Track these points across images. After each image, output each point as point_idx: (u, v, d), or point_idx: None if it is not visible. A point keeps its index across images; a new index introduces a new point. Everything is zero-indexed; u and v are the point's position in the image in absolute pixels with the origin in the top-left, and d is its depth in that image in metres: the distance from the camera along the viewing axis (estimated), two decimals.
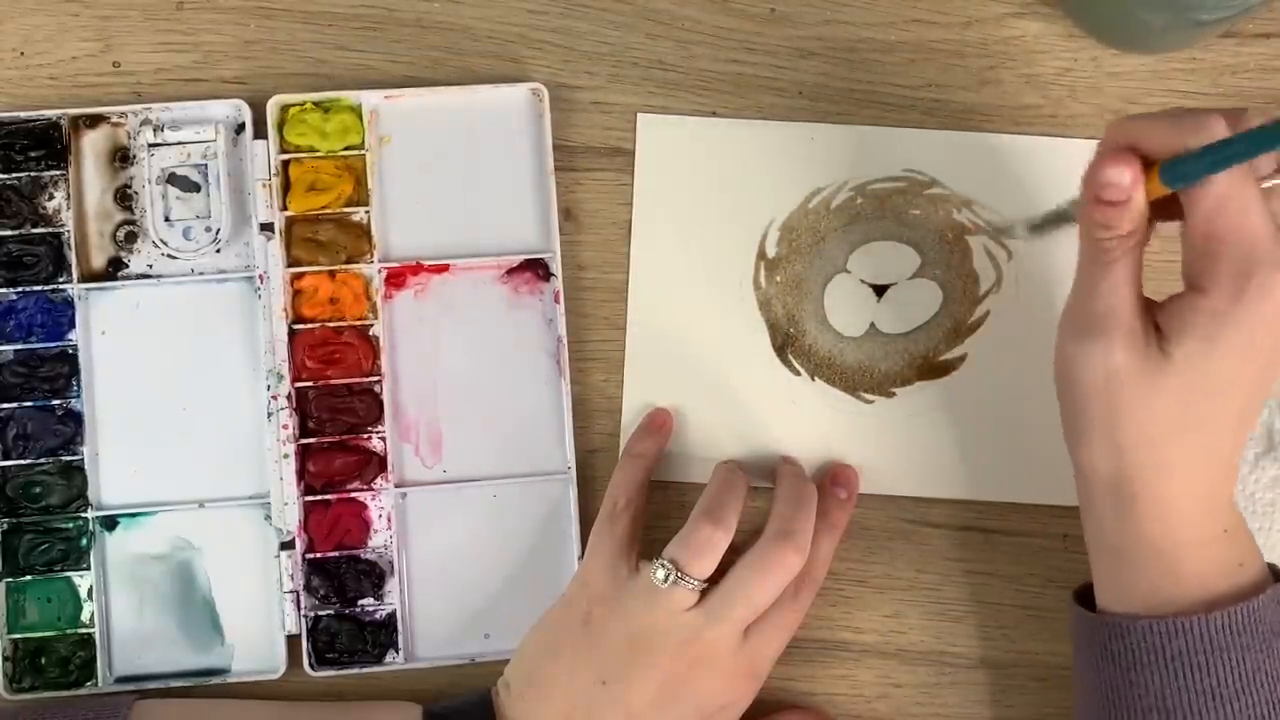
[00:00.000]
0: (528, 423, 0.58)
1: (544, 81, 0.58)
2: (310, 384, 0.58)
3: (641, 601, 0.52)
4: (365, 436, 0.58)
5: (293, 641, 0.57)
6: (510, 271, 0.59)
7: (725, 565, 0.52)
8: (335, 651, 0.58)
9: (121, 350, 0.58)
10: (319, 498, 0.58)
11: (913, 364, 0.59)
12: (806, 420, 0.59)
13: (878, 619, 0.59)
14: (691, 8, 0.59)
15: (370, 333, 0.58)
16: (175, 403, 0.58)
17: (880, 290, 0.59)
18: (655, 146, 0.59)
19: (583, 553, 0.56)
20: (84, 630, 0.57)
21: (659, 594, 0.52)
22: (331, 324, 0.58)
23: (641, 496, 0.56)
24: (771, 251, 0.59)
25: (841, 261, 0.59)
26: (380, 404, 0.58)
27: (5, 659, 0.57)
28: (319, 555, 0.58)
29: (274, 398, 0.57)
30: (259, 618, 0.58)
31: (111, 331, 0.58)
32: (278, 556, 0.57)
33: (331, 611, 0.58)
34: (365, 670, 0.58)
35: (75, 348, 0.58)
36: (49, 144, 0.57)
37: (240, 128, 0.58)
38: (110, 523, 0.58)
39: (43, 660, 0.57)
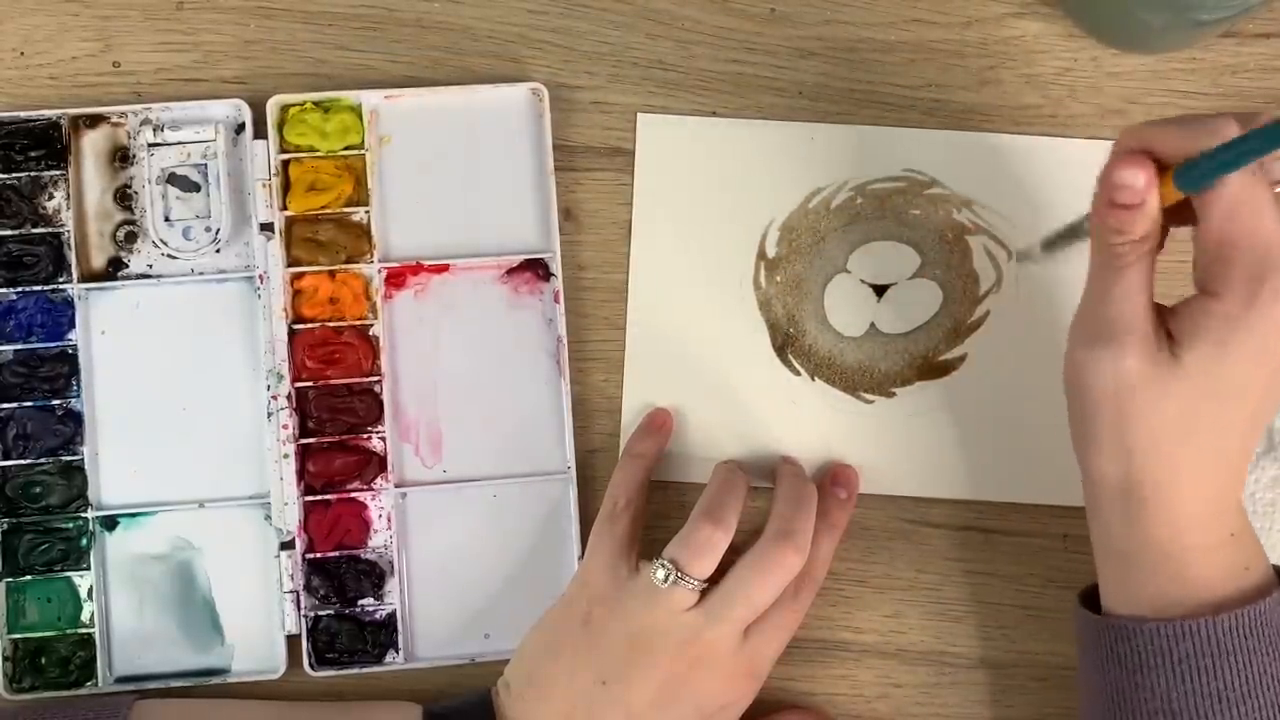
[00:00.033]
0: (528, 423, 0.58)
1: (544, 81, 0.58)
2: (310, 384, 0.58)
3: (641, 601, 0.52)
4: (365, 436, 0.58)
5: (293, 641, 0.57)
6: (510, 271, 0.59)
7: (725, 565, 0.52)
8: (335, 651, 0.58)
9: (121, 350, 0.58)
10: (319, 498, 0.58)
11: (913, 364, 0.59)
12: (806, 420, 0.59)
13: (878, 619, 0.59)
14: (691, 8, 0.59)
15: (370, 333, 0.58)
16: (175, 403, 0.58)
17: (880, 290, 0.59)
18: (655, 146, 0.59)
19: (583, 553, 0.56)
20: (84, 630, 0.57)
21: (659, 594, 0.52)
22: (331, 324, 0.58)
23: (641, 496, 0.56)
24: (771, 251, 0.59)
25: (841, 261, 0.59)
26: (380, 404, 0.58)
27: (5, 659, 0.57)
28: (319, 555, 0.58)
29: (274, 398, 0.57)
30: (259, 618, 0.58)
31: (111, 331, 0.58)
32: (278, 556, 0.57)
33: (331, 611, 0.58)
34: (365, 670, 0.58)
35: (75, 348, 0.58)
36: (49, 144, 0.57)
37: (240, 128, 0.58)
38: (110, 523, 0.58)
39: (43, 660, 0.57)
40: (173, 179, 0.57)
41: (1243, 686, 0.45)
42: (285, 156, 0.58)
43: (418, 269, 0.58)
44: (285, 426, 0.57)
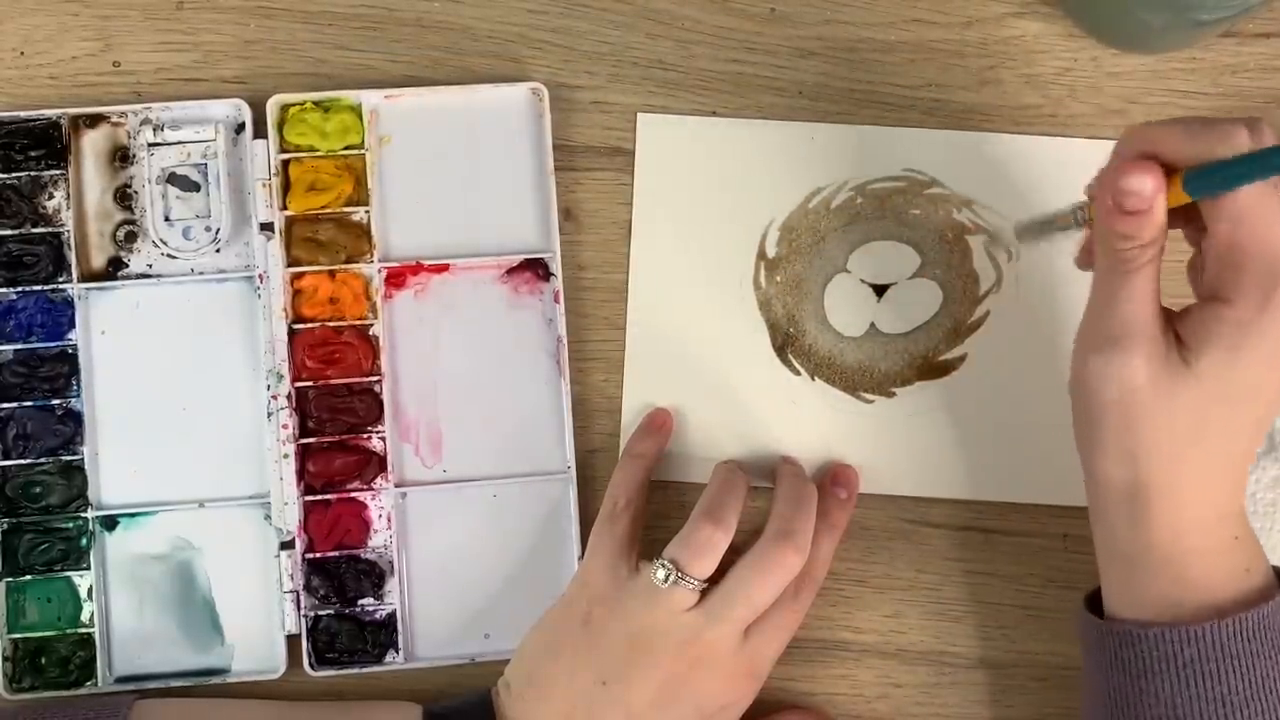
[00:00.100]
0: (528, 423, 0.58)
1: (544, 81, 0.58)
2: (310, 384, 0.58)
3: (642, 601, 0.52)
4: (365, 436, 0.58)
5: (293, 641, 0.57)
6: (510, 271, 0.59)
7: (725, 565, 0.52)
8: (335, 651, 0.58)
9: (121, 350, 0.58)
10: (319, 498, 0.58)
11: (913, 364, 0.59)
12: (806, 420, 0.59)
13: (878, 619, 0.59)
14: (691, 7, 0.59)
15: (370, 332, 0.58)
16: (175, 403, 0.58)
17: (880, 290, 0.59)
18: (655, 146, 0.59)
19: (583, 553, 0.56)
20: (84, 630, 0.57)
21: (659, 594, 0.52)
22: (331, 324, 0.58)
23: (641, 496, 0.56)
24: (771, 251, 0.59)
25: (841, 261, 0.59)
26: (380, 404, 0.58)
27: (5, 659, 0.57)
28: (319, 555, 0.58)
29: (274, 397, 0.57)
30: (259, 618, 0.58)
31: (111, 331, 0.58)
32: (278, 556, 0.57)
33: (331, 611, 0.58)
34: (365, 670, 0.58)
35: (75, 347, 0.58)
36: (49, 144, 0.57)
37: (240, 127, 0.58)
38: (110, 523, 0.58)
39: (43, 660, 0.57)
40: (173, 179, 0.57)
41: (1246, 691, 0.45)
42: (285, 156, 0.58)
43: (418, 269, 0.58)
44: (285, 426, 0.57)
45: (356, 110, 0.58)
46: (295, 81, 0.59)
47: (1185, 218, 0.46)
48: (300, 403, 0.58)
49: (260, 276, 0.57)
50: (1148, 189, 0.44)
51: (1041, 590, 0.59)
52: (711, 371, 0.59)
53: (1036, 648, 0.59)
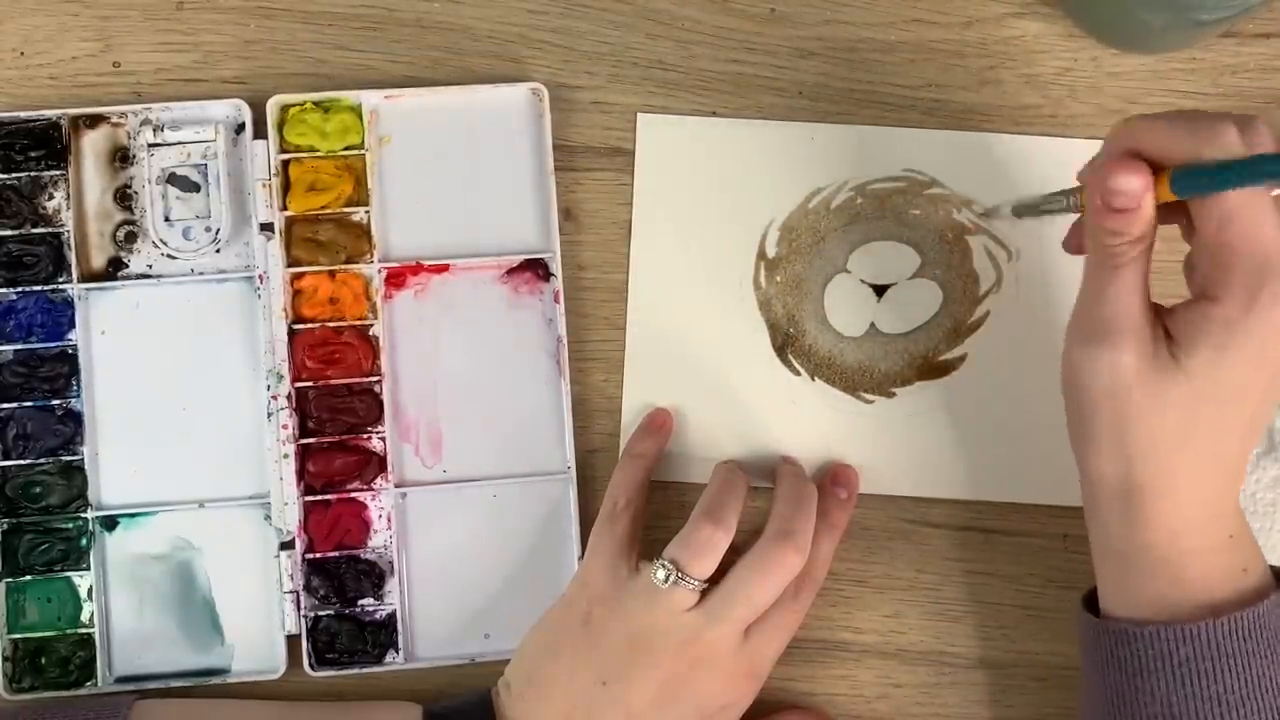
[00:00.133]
0: (528, 423, 0.58)
1: (544, 81, 0.58)
2: (310, 384, 0.58)
3: (642, 602, 0.52)
4: (365, 436, 0.58)
5: (293, 641, 0.57)
6: (510, 271, 0.59)
7: (725, 565, 0.52)
8: (335, 651, 0.58)
9: (121, 350, 0.58)
10: (319, 498, 0.58)
11: (913, 364, 0.59)
12: (806, 420, 0.59)
13: (878, 619, 0.59)
14: (691, 8, 0.59)
15: (370, 333, 0.58)
16: (175, 403, 0.58)
17: (880, 290, 0.59)
18: (655, 146, 0.59)
19: (583, 553, 0.56)
20: (84, 630, 0.57)
21: (659, 594, 0.52)
22: (331, 324, 0.58)
23: (641, 497, 0.56)
24: (771, 251, 0.59)
25: (841, 261, 0.59)
26: (380, 404, 0.58)
27: (5, 659, 0.57)
28: (319, 555, 0.58)
29: (274, 398, 0.57)
30: (259, 618, 0.58)
31: (111, 331, 0.58)
32: (278, 556, 0.57)
33: (331, 611, 0.58)
34: (365, 670, 0.58)
35: (75, 348, 0.58)
36: (49, 144, 0.57)
37: (240, 128, 0.58)
38: (110, 523, 0.58)
39: (43, 660, 0.57)
40: (173, 179, 0.57)
41: (1242, 690, 0.45)
42: (285, 156, 0.58)
43: (418, 269, 0.58)
44: (285, 426, 0.57)
45: (356, 110, 0.58)
46: (295, 82, 0.59)
47: (1181, 213, 0.46)
48: (300, 403, 0.58)
49: (260, 277, 0.57)
50: (1135, 188, 0.44)
51: (1041, 590, 0.59)
52: (711, 371, 0.59)
53: (1036, 648, 0.59)
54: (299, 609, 0.57)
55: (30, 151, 0.57)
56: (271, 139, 0.57)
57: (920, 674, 0.59)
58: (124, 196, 0.58)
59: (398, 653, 0.58)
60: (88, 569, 0.57)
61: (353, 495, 0.58)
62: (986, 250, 0.59)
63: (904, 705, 0.59)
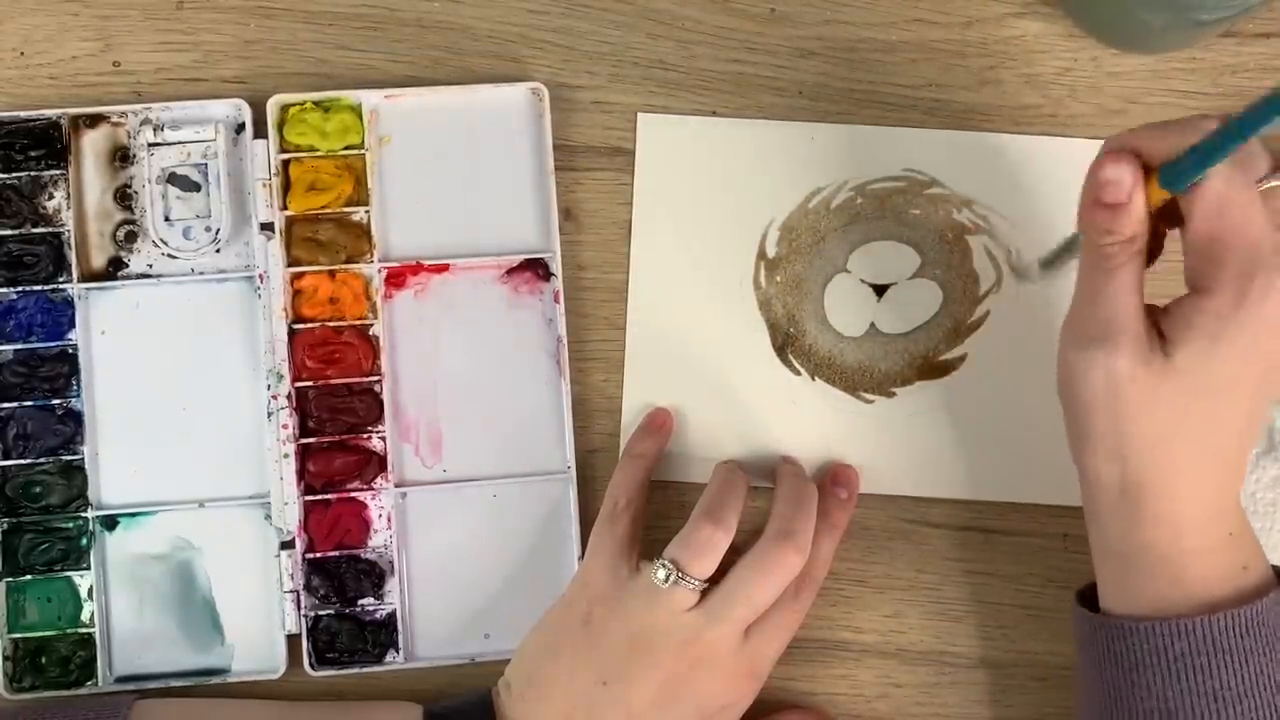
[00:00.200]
0: (528, 423, 0.58)
1: (544, 81, 0.58)
2: (310, 384, 0.58)
3: (642, 602, 0.52)
4: (365, 436, 0.58)
5: (293, 641, 0.57)
6: (510, 271, 0.59)
7: (726, 565, 0.52)
8: (335, 651, 0.58)
9: (121, 350, 0.58)
10: (319, 497, 0.58)
11: (913, 364, 0.59)
12: (806, 420, 0.59)
13: (878, 619, 0.59)
14: (692, 8, 0.59)
15: (370, 332, 0.58)
16: (175, 403, 0.58)
17: (880, 290, 0.59)
18: (655, 146, 0.59)
19: (583, 553, 0.56)
20: (84, 630, 0.57)
21: (659, 594, 0.52)
22: (331, 324, 0.58)
23: (642, 497, 0.56)
24: (771, 251, 0.59)
25: (841, 261, 0.59)
26: (380, 404, 0.58)
27: (5, 659, 0.57)
28: (319, 555, 0.58)
29: (274, 397, 0.57)
30: (259, 617, 0.58)
31: (111, 331, 0.58)
32: (278, 556, 0.57)
33: (331, 611, 0.58)
34: (365, 670, 0.58)
35: (75, 347, 0.58)
36: (49, 144, 0.57)
37: (240, 127, 0.58)
38: (110, 522, 0.58)
39: (43, 660, 0.57)
40: (173, 179, 0.57)
41: (1239, 686, 0.45)
42: (285, 156, 0.58)
43: (418, 269, 0.58)
44: (285, 426, 0.57)
45: (357, 110, 0.58)
46: (295, 81, 0.59)
47: (1178, 218, 0.46)
48: (300, 403, 0.58)
49: (260, 276, 0.57)
50: (1125, 177, 0.44)
51: (1041, 590, 0.59)
52: (711, 371, 0.59)
53: (1036, 648, 0.59)
54: (299, 609, 0.57)
55: (30, 151, 0.57)
56: (271, 139, 0.57)
57: (920, 674, 0.59)
58: (124, 196, 0.58)
59: (398, 652, 0.58)
60: (88, 569, 0.57)
61: (353, 495, 0.58)
62: (986, 250, 0.59)
63: (904, 705, 0.59)
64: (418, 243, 0.59)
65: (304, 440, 0.58)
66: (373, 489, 0.58)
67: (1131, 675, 0.47)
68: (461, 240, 0.59)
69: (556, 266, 0.58)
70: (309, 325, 0.58)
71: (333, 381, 0.58)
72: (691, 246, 0.59)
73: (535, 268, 0.58)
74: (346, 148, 0.58)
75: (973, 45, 0.59)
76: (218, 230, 0.57)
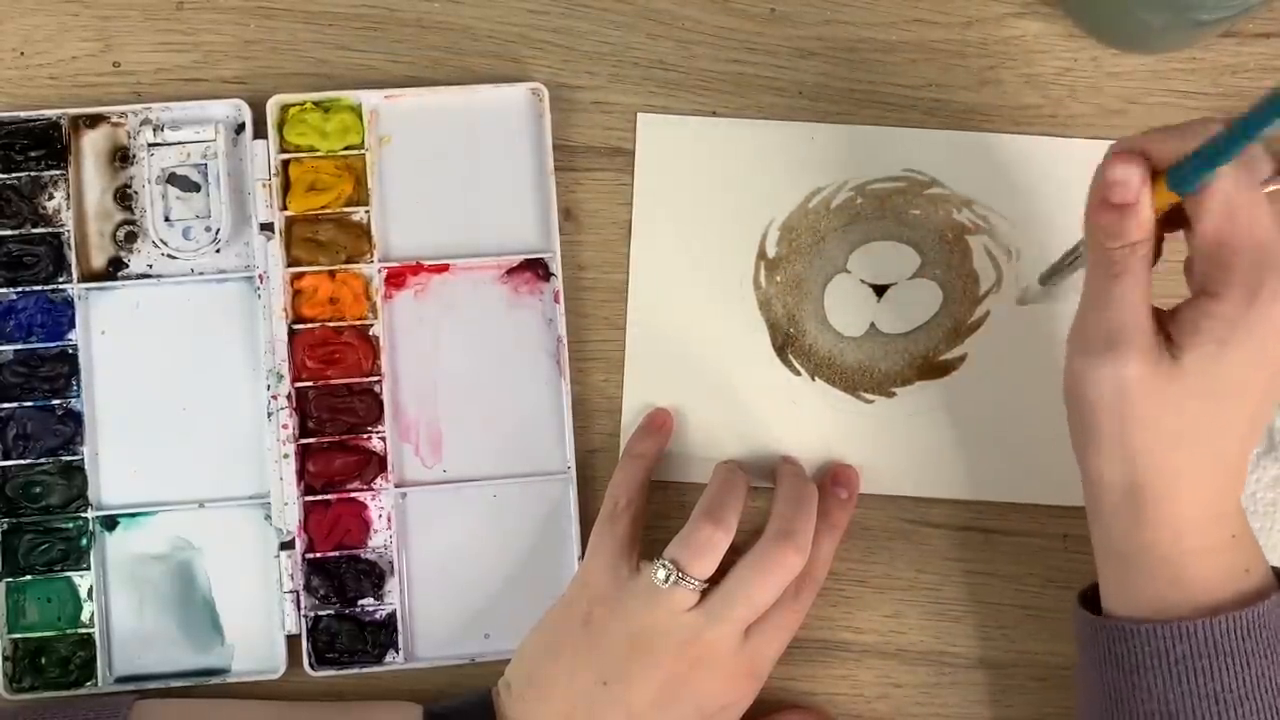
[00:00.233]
0: (528, 423, 0.58)
1: (544, 81, 0.58)
2: (310, 384, 0.58)
3: (642, 602, 0.52)
4: (365, 436, 0.58)
5: (293, 641, 0.57)
6: (510, 271, 0.59)
7: (726, 565, 0.52)
8: (335, 651, 0.58)
9: (121, 350, 0.58)
10: (319, 498, 0.58)
11: (913, 364, 0.59)
12: (806, 420, 0.59)
13: (878, 619, 0.59)
14: (692, 8, 0.59)
15: (370, 333, 0.58)
16: (175, 403, 0.58)
17: (880, 290, 0.59)
18: (655, 146, 0.59)
19: (583, 553, 0.56)
20: (84, 630, 0.57)
21: (660, 594, 0.52)
22: (331, 324, 0.58)
23: (642, 497, 0.56)
24: (771, 251, 0.59)
25: (841, 261, 0.59)
26: (380, 404, 0.58)
27: (5, 659, 0.57)
28: (319, 555, 0.58)
29: (274, 398, 0.57)
30: (259, 618, 0.58)
31: (111, 331, 0.58)
32: (278, 556, 0.57)
33: (331, 611, 0.58)
34: (365, 670, 0.58)
35: (75, 348, 0.58)
36: (49, 144, 0.57)
37: (240, 128, 0.58)
38: (110, 523, 0.58)
39: (43, 660, 0.57)
40: (173, 179, 0.57)
41: (1240, 689, 0.45)
42: (285, 156, 0.58)
43: (418, 269, 0.58)
44: (285, 426, 0.57)
45: (356, 110, 0.58)
46: (295, 82, 0.59)
47: (1181, 223, 0.46)
48: (300, 403, 0.58)
49: (260, 277, 0.57)
50: (1133, 179, 0.44)
51: (1041, 590, 0.59)
52: (712, 371, 0.59)
53: (1036, 648, 0.59)
54: (299, 609, 0.57)
55: (30, 151, 0.57)
56: (271, 139, 0.57)
57: (920, 674, 0.59)
58: (124, 196, 0.58)
59: (398, 653, 0.58)
60: (88, 569, 0.57)
61: (353, 495, 0.58)
62: (986, 250, 0.59)
63: (904, 705, 0.59)
64: (418, 243, 0.59)
65: (304, 440, 0.58)
66: (373, 489, 0.58)
67: (1132, 677, 0.47)
68: (461, 240, 0.59)
69: (556, 266, 0.58)
70: (309, 325, 0.58)
71: (333, 382, 0.58)
72: (691, 246, 0.59)
73: (535, 268, 0.58)
74: (346, 148, 0.58)
75: (973, 45, 0.59)
76: (218, 230, 0.57)
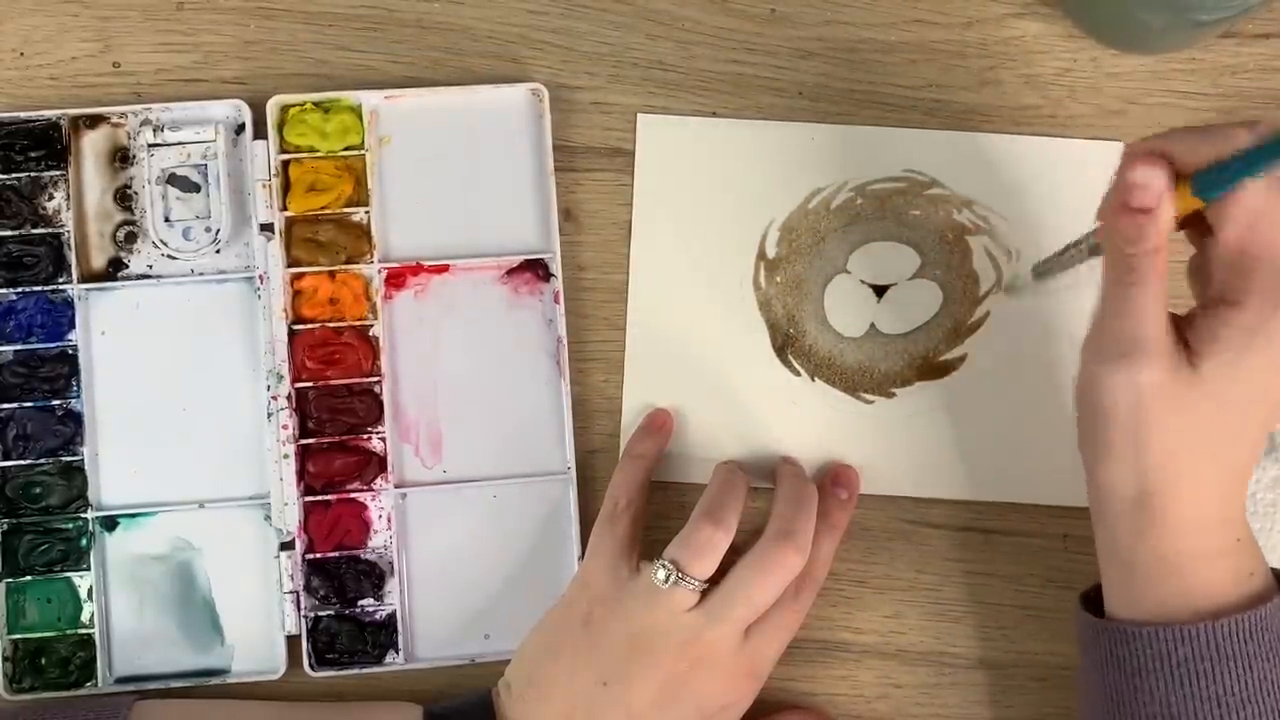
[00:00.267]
0: (528, 423, 0.58)
1: (544, 82, 0.58)
2: (310, 384, 0.58)
3: (642, 602, 0.52)
4: (365, 437, 0.58)
5: (293, 642, 0.57)
6: (510, 272, 0.59)
7: (726, 565, 0.52)
8: (335, 652, 0.58)
9: (121, 350, 0.58)
10: (319, 498, 0.58)
11: (913, 364, 0.59)
12: (806, 420, 0.59)
13: (878, 619, 0.59)
14: (692, 8, 0.59)
15: (370, 333, 0.58)
16: (175, 403, 0.58)
17: (880, 290, 0.59)
18: (655, 147, 0.59)
19: (583, 553, 0.56)
20: (84, 631, 0.57)
21: (660, 594, 0.52)
22: (331, 324, 0.58)
23: (642, 497, 0.56)
24: (771, 252, 0.59)
25: (841, 262, 0.59)
26: (380, 404, 0.58)
27: (5, 659, 0.57)
28: (319, 556, 0.58)
29: (274, 398, 0.57)
30: (259, 618, 0.58)
31: (111, 332, 0.58)
32: (278, 557, 0.57)
33: (331, 612, 0.58)
34: (365, 671, 0.58)
35: (75, 348, 0.58)
36: (49, 144, 0.57)
37: (240, 128, 0.58)
38: (110, 523, 0.58)
39: (43, 661, 0.57)
40: (173, 179, 0.57)
41: (1242, 692, 0.45)
42: (285, 157, 0.58)
43: (418, 269, 0.58)
44: (285, 427, 0.57)
45: (356, 111, 0.58)
46: (295, 82, 0.59)
47: (1188, 219, 0.46)
48: (300, 403, 0.58)
49: (260, 277, 0.57)
50: (1156, 183, 0.43)
51: (1041, 590, 0.59)
52: (712, 372, 0.59)
53: (1036, 648, 0.59)
54: (299, 609, 0.57)
55: (30, 152, 0.57)
56: (271, 139, 0.57)
57: (920, 674, 0.59)
58: (124, 197, 0.58)
59: (398, 653, 0.58)
60: (88, 569, 0.57)
61: (353, 496, 0.58)
62: (986, 250, 0.59)
63: (904, 705, 0.59)
64: (418, 243, 0.59)
65: (304, 441, 0.58)
66: (373, 490, 0.58)
67: (1134, 680, 0.47)
68: (461, 241, 0.59)
69: (556, 267, 0.58)
70: (309, 326, 0.58)
71: (333, 382, 0.58)
72: (691, 247, 0.59)
73: (535, 268, 0.58)
74: (346, 148, 0.58)
75: (973, 46, 0.59)
76: (218, 231, 0.57)
